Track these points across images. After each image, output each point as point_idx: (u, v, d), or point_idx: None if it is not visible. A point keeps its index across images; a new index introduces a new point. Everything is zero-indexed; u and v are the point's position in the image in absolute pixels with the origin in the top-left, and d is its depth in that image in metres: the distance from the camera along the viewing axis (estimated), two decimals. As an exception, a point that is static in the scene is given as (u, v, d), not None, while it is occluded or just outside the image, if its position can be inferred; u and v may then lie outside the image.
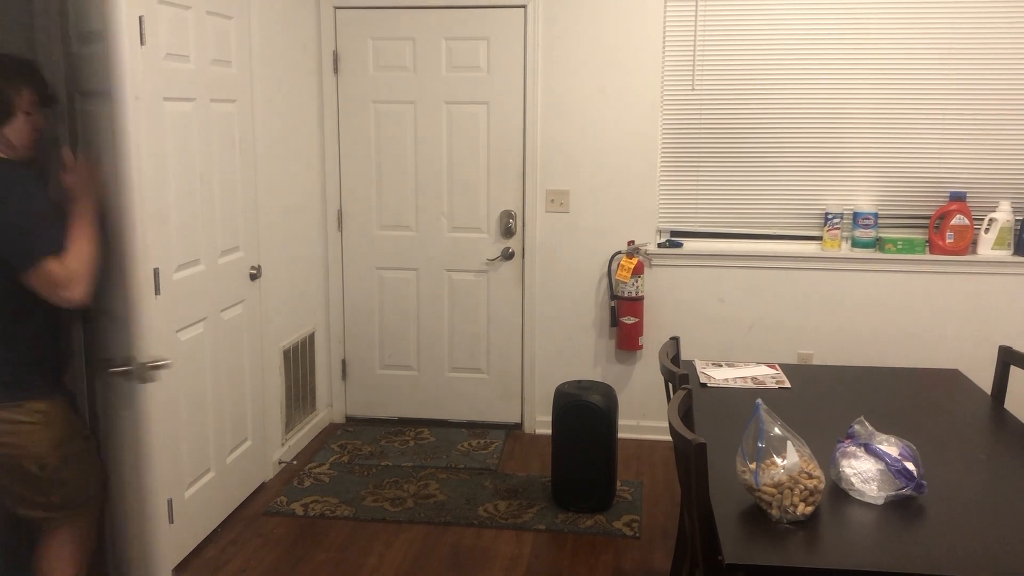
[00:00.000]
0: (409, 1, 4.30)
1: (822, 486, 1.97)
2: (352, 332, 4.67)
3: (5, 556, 2.70)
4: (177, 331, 3.11)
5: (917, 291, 4.19)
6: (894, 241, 4.15)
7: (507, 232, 4.45)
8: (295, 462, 4.13)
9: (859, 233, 4.19)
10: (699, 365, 3.08)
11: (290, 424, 4.18)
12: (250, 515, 3.61)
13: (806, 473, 1.96)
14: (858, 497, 2.06)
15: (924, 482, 2.06)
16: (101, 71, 2.20)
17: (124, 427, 2.37)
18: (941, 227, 4.11)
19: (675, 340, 3.03)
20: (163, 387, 2.70)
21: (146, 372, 2.16)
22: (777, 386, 2.87)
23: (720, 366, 3.07)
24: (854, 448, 2.13)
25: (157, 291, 2.93)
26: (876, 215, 4.17)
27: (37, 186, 2.28)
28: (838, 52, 4.11)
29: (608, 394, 3.65)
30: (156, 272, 2.93)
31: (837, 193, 4.22)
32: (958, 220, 4.07)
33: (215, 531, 3.44)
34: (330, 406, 4.71)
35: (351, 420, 4.74)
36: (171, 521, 3.05)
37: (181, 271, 3.12)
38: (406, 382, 4.67)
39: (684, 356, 4.33)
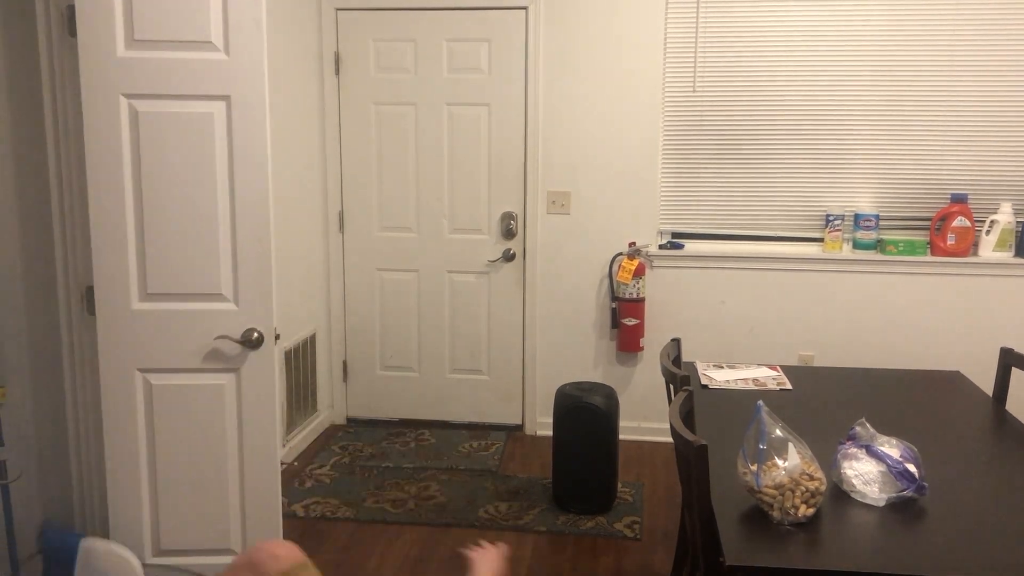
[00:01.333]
0: (410, 3, 4.31)
1: (823, 488, 1.97)
2: (353, 333, 4.67)
3: None
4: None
5: (918, 293, 4.19)
6: (895, 243, 4.15)
7: (508, 233, 4.45)
8: (296, 463, 4.13)
9: (860, 235, 4.19)
10: (700, 366, 3.08)
11: (291, 425, 4.18)
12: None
13: (807, 475, 1.96)
14: (859, 499, 2.05)
15: (925, 484, 2.05)
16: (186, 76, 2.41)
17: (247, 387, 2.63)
18: (942, 229, 4.11)
19: (676, 341, 3.03)
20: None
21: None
22: (778, 388, 2.87)
23: (721, 367, 3.07)
24: (855, 450, 2.13)
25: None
26: (877, 217, 4.17)
27: None
28: (839, 54, 4.11)
29: (609, 395, 3.64)
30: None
31: (838, 195, 4.23)
32: (959, 222, 4.07)
33: (216, 532, 3.44)
34: (331, 407, 4.71)
35: (352, 421, 4.74)
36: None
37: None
38: (407, 383, 4.67)
39: (685, 358, 4.34)
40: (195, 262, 2.61)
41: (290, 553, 1.95)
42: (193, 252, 2.60)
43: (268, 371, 2.68)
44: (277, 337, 2.68)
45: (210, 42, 2.51)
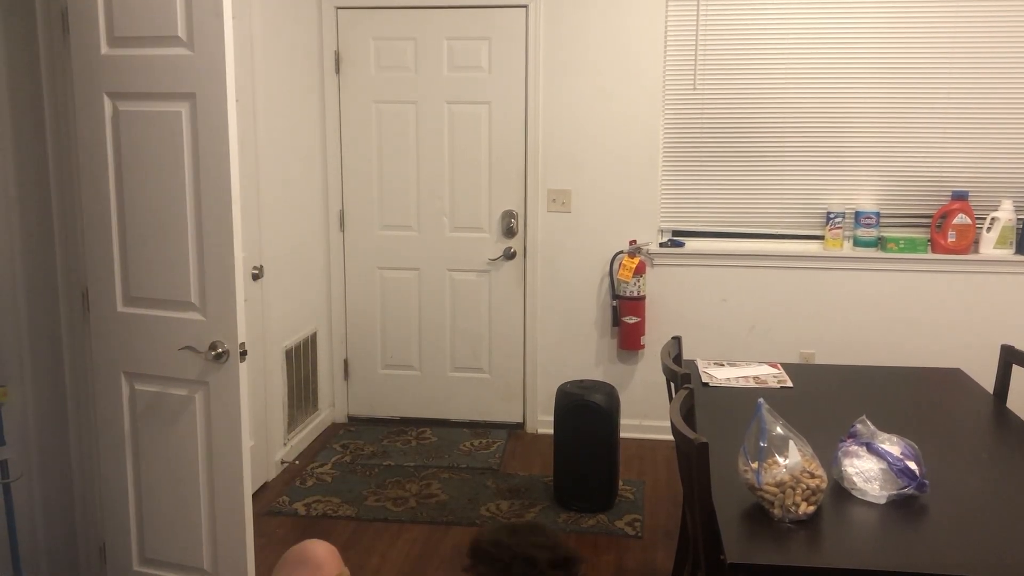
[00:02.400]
0: (411, 1, 4.30)
1: (824, 485, 1.97)
2: (354, 332, 4.67)
3: None
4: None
5: (919, 290, 4.19)
6: (896, 240, 4.15)
7: (509, 232, 4.45)
8: (297, 462, 4.13)
9: (861, 232, 4.18)
10: (701, 364, 3.08)
11: (292, 424, 4.18)
12: (252, 515, 3.60)
13: (808, 472, 1.96)
14: (860, 496, 2.05)
15: (926, 481, 2.05)
16: (156, 73, 2.36)
17: (214, 404, 2.55)
18: (943, 226, 4.10)
19: (677, 340, 3.03)
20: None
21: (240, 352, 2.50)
22: (779, 385, 2.87)
23: (722, 365, 3.07)
24: (856, 447, 2.13)
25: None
26: (878, 214, 4.17)
27: None
28: (840, 51, 4.11)
29: (610, 394, 3.64)
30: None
31: (839, 192, 4.22)
32: (960, 219, 4.07)
33: (217, 531, 3.44)
34: (332, 406, 4.71)
35: (353, 420, 4.74)
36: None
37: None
38: (408, 382, 4.68)
39: (686, 356, 4.33)
40: (168, 269, 2.53)
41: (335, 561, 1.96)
42: (167, 259, 2.53)
43: (234, 389, 2.53)
44: (244, 354, 2.52)
45: (177, 36, 2.40)
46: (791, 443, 1.99)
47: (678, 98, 4.25)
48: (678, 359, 2.97)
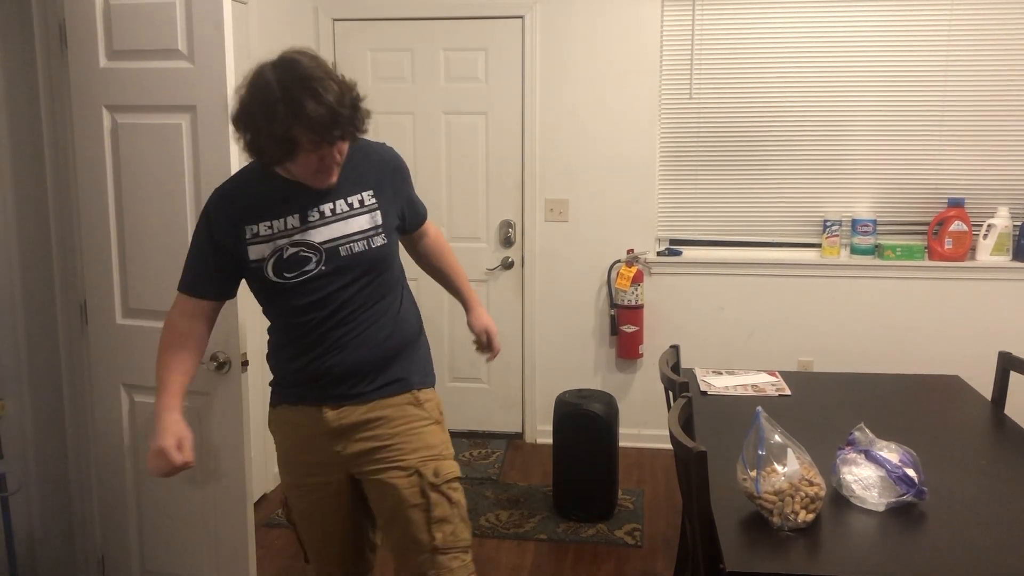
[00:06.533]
0: (407, 12, 4.32)
1: (823, 493, 1.97)
2: (352, 343, 4.66)
3: None
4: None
5: (916, 297, 4.19)
6: (893, 248, 4.16)
7: (506, 241, 4.45)
8: (296, 473, 4.12)
9: (858, 240, 4.19)
10: (699, 373, 3.08)
11: (291, 435, 4.16)
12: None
13: (807, 480, 1.96)
14: (859, 504, 2.05)
15: (925, 488, 2.05)
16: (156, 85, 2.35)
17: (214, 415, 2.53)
18: (940, 233, 4.11)
19: (675, 348, 3.03)
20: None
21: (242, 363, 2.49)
22: (777, 393, 2.87)
23: (720, 374, 3.07)
24: (855, 455, 2.13)
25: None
26: (875, 222, 4.18)
27: None
28: (836, 60, 4.12)
29: (609, 403, 3.65)
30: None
31: (836, 200, 4.23)
32: (957, 226, 4.08)
33: (216, 543, 3.42)
34: (331, 417, 4.70)
35: (352, 431, 4.73)
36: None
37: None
38: (407, 392, 4.66)
39: (684, 364, 4.32)
40: (170, 280, 2.41)
41: None
42: (168, 270, 2.48)
43: (237, 400, 2.51)
44: (246, 364, 2.50)
45: (177, 49, 2.42)
46: (789, 451, 1.99)
47: (674, 107, 4.26)
48: (676, 368, 2.97)
